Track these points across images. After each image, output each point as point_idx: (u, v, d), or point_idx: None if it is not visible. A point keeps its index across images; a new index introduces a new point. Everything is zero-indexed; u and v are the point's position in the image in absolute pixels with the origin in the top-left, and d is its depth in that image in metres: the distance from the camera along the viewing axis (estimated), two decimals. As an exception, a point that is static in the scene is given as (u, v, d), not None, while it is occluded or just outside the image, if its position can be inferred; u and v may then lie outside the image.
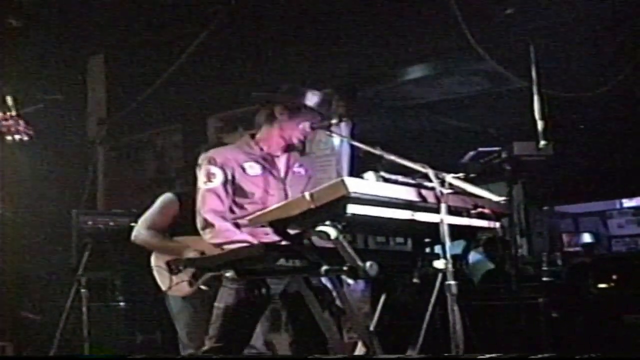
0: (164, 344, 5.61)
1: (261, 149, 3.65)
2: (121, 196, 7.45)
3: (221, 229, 3.46)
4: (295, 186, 3.65)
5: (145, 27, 6.71)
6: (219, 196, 3.51)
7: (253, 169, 3.60)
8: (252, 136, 3.71)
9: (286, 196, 3.57)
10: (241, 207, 3.55)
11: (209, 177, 3.54)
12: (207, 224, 3.49)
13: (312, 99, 3.62)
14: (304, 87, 3.69)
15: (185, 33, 6.48)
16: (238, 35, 6.34)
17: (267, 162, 3.64)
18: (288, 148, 3.68)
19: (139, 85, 6.94)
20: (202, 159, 3.62)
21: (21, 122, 3.75)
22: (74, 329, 5.28)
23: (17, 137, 3.76)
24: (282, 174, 3.66)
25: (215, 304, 3.52)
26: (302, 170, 3.74)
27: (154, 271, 4.55)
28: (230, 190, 3.54)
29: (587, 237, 9.33)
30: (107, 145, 7.69)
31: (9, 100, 3.76)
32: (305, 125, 3.60)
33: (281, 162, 3.68)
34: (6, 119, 3.69)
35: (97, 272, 5.58)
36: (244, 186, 3.55)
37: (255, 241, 3.37)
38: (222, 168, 3.54)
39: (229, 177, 3.54)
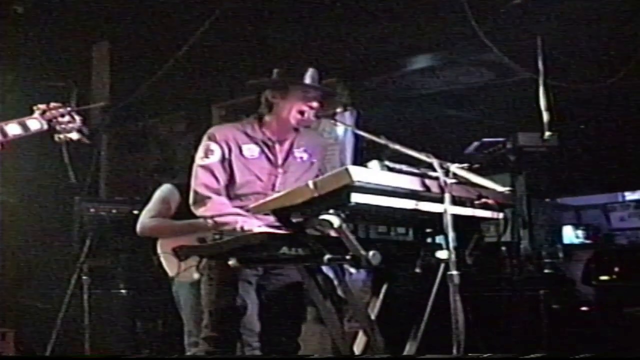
0: (165, 331, 5.62)
1: (263, 133, 3.63)
2: (124, 184, 7.45)
3: (215, 202, 3.47)
4: (293, 172, 3.62)
5: (150, 15, 6.69)
6: (213, 172, 3.52)
7: (251, 151, 3.59)
8: (260, 119, 3.68)
9: (275, 184, 3.57)
10: (226, 188, 3.55)
11: (207, 153, 3.55)
12: (199, 197, 3.50)
13: (302, 75, 3.57)
14: (294, 67, 3.65)
15: (190, 20, 6.45)
16: (242, 22, 6.32)
17: (267, 147, 3.62)
18: (295, 128, 3.65)
19: (143, 72, 6.92)
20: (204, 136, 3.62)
21: (78, 118, 3.38)
22: (76, 316, 5.29)
23: (68, 135, 3.33)
24: (280, 160, 3.63)
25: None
26: (304, 155, 3.69)
27: (161, 258, 4.53)
28: (227, 167, 3.54)
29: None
30: (111, 132, 7.68)
31: (74, 91, 3.47)
32: (301, 103, 3.55)
33: (283, 148, 3.65)
34: (62, 115, 3.30)
35: (98, 259, 5.59)
36: (235, 168, 3.54)
37: (249, 216, 3.35)
38: (221, 145, 3.54)
39: (227, 155, 3.54)
